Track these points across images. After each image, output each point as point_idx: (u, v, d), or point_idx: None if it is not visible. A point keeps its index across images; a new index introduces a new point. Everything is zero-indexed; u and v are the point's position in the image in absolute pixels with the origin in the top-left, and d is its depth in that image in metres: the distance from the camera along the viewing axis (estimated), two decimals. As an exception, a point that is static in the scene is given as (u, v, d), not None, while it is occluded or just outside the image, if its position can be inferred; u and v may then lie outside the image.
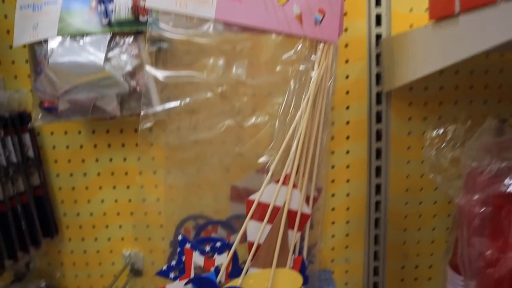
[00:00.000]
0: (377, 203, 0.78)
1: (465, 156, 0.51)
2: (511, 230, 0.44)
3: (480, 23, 0.41)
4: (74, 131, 0.78)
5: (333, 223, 0.80)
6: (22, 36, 0.62)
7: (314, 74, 0.53)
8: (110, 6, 0.60)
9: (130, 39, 0.60)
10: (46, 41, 0.60)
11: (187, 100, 0.55)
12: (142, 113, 0.56)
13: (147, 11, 0.59)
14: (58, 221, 0.82)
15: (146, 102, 0.61)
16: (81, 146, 0.78)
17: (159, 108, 0.57)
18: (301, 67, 0.53)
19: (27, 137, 0.74)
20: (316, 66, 0.53)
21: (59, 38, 0.60)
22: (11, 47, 0.75)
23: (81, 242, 0.84)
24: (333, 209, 0.80)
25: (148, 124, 0.56)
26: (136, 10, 0.59)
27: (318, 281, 0.72)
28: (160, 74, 0.56)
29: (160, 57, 0.57)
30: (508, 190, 0.45)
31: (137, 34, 0.60)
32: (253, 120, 0.55)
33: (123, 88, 0.60)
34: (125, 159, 0.78)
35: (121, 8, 0.59)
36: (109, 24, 0.59)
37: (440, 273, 0.63)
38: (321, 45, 0.53)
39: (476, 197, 0.48)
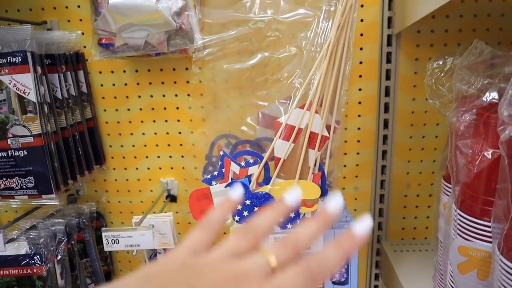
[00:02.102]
0: (385, 137, 0.89)
1: (455, 77, 0.60)
2: (488, 133, 0.54)
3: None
4: (119, 70, 0.89)
5: (345, 154, 0.91)
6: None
7: (338, 10, 0.63)
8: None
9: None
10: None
11: (229, 33, 0.65)
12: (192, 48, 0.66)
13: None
14: (105, 151, 0.94)
15: (190, 39, 0.72)
16: (126, 84, 0.89)
17: (204, 40, 0.67)
18: (328, 5, 0.63)
19: (81, 74, 0.85)
20: (340, 2, 0.63)
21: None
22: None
23: (124, 171, 0.96)
24: (345, 141, 0.91)
25: (200, 55, 0.66)
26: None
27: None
28: (203, 13, 0.67)
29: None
30: (487, 101, 0.55)
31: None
32: (284, 52, 0.65)
33: (171, 26, 0.70)
34: (164, 96, 0.89)
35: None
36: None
37: (435, 188, 0.73)
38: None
39: (462, 109, 0.58)
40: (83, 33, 0.87)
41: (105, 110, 0.92)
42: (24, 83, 0.70)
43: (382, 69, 0.85)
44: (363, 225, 0.32)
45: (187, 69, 0.87)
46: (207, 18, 0.65)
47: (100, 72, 0.89)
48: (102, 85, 0.90)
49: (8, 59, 0.70)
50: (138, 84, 0.89)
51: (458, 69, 0.59)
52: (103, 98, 0.91)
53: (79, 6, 0.86)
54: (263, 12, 0.64)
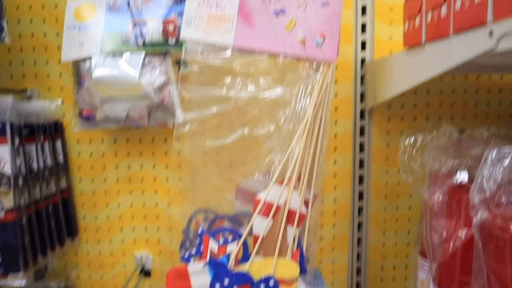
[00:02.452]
0: (360, 209, 0.90)
1: (427, 157, 0.64)
2: (461, 213, 0.56)
3: (440, 50, 0.56)
4: (97, 140, 0.89)
5: (321, 226, 0.92)
6: (69, 53, 0.74)
7: (315, 89, 0.66)
8: (144, 29, 0.73)
9: (159, 58, 0.73)
10: (89, 58, 0.73)
11: (208, 110, 0.67)
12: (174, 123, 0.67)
13: (175, 35, 0.72)
14: (78, 223, 0.92)
15: (171, 114, 0.73)
16: (103, 154, 0.89)
17: (184, 117, 0.69)
18: (305, 84, 0.67)
19: (59, 144, 0.85)
20: (317, 82, 0.66)
21: (101, 56, 0.72)
22: (47, 62, 0.87)
23: (97, 244, 0.93)
24: (322, 213, 0.91)
25: (181, 130, 0.67)
26: (166, 33, 0.72)
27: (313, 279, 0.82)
28: (184, 88, 0.69)
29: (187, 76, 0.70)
30: (458, 182, 0.58)
31: (166, 54, 0.73)
32: (263, 129, 0.67)
33: (153, 101, 0.72)
34: (141, 166, 0.89)
35: (153, 31, 0.73)
36: (143, 44, 0.72)
37: (412, 263, 0.74)
38: (322, 65, 0.67)
39: (436, 189, 0.60)
40: (63, 101, 0.88)
41: (80, 181, 0.91)
42: (0, 154, 0.69)
43: (356, 142, 0.88)
44: None
45: (166, 140, 0.87)
46: (188, 94, 0.67)
47: (78, 142, 0.89)
48: (79, 154, 0.90)
49: (-13, 129, 0.70)
50: (115, 154, 0.89)
51: (430, 149, 0.62)
52: (79, 168, 0.90)
53: (60, 75, 0.87)
54: (243, 89, 0.67)
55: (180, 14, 0.73)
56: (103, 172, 0.90)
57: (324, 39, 0.67)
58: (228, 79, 0.68)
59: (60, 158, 0.85)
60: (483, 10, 0.42)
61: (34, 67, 0.88)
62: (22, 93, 0.86)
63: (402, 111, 0.88)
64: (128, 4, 0.74)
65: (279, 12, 0.67)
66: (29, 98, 0.86)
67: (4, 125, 0.70)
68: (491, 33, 0.40)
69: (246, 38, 0.66)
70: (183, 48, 0.68)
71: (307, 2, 0.68)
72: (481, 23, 0.42)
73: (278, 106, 0.67)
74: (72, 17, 0.75)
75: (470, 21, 0.45)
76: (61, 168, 0.85)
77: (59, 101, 0.86)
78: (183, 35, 0.66)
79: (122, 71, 0.71)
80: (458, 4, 0.48)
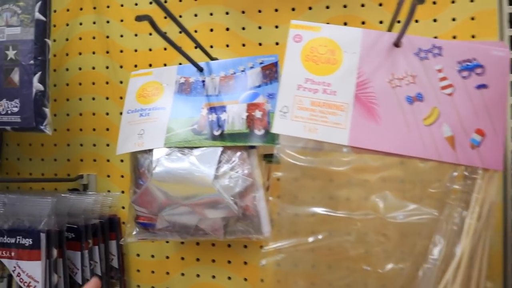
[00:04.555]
0: None
1: None
2: None
3: None
4: (161, 240, 0.72)
5: None
6: (126, 144, 0.58)
7: (472, 211, 0.44)
8: (223, 116, 0.55)
9: (242, 155, 0.54)
10: (151, 150, 0.57)
11: (309, 236, 0.47)
12: (263, 249, 0.48)
13: (264, 124, 0.54)
14: None
15: (255, 229, 0.54)
16: (167, 257, 0.72)
17: (275, 245, 0.49)
18: (455, 201, 0.44)
19: (113, 245, 0.69)
20: (474, 200, 0.44)
21: (165, 149, 0.56)
22: (108, 145, 0.73)
23: None
24: None
25: (264, 262, 0.48)
26: (251, 121, 0.54)
27: None
28: (276, 201, 0.49)
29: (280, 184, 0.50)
30: None
31: (250, 148, 0.55)
32: (391, 266, 0.45)
33: (232, 212, 0.53)
34: (214, 277, 0.70)
35: (235, 118, 0.55)
36: (221, 136, 0.54)
37: None
38: (480, 173, 0.45)
39: None
40: (123, 192, 0.72)
41: (138, 287, 0.73)
42: (32, 273, 0.54)
43: None
44: None
45: (246, 246, 0.68)
46: (279, 209, 0.48)
47: (138, 255, 0.72)
48: (138, 255, 0.73)
49: (17, 240, 0.56)
50: (182, 258, 0.71)
51: None
52: (138, 271, 0.73)
53: (122, 161, 0.73)
54: (361, 207, 0.46)
55: (271, 96, 0.55)
56: (167, 278, 0.72)
57: (483, 137, 0.45)
58: (338, 191, 0.48)
59: (115, 261, 0.69)
60: None
61: (94, 149, 0.74)
62: (77, 180, 0.72)
63: None
64: (203, 83, 0.58)
65: (414, 98, 0.47)
66: (85, 186, 0.72)
67: (38, 236, 0.55)
68: None
69: (366, 135, 0.46)
70: (276, 144, 0.50)
71: (455, 83, 0.46)
72: None
73: (414, 233, 0.46)
74: (133, 98, 0.60)
75: None
76: (115, 274, 0.69)
77: (118, 194, 0.71)
78: (277, 128, 0.47)
79: (192, 170, 0.53)
80: None
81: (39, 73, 0.56)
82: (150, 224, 0.57)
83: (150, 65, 0.71)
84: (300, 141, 0.47)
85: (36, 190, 0.76)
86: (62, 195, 0.66)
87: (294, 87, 0.48)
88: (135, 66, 0.71)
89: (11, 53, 0.57)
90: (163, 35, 0.47)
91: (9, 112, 0.58)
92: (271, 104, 0.54)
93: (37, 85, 0.56)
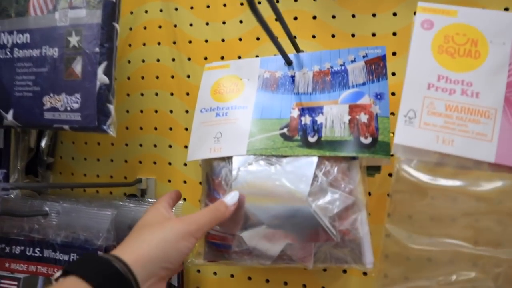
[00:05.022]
0: None
1: None
2: None
3: None
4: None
5: None
6: (200, 148, 0.50)
7: None
8: (319, 119, 0.46)
9: (342, 167, 0.44)
10: (229, 158, 0.48)
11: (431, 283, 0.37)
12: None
13: (371, 130, 0.44)
14: None
15: (354, 258, 0.44)
16: (232, 276, 0.63)
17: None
18: None
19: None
20: None
21: (247, 157, 0.47)
22: (170, 146, 0.65)
23: None
24: None
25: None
26: (355, 127, 0.44)
27: None
28: (391, 227, 0.39)
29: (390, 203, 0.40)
30: None
31: (352, 159, 0.45)
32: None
33: (329, 237, 0.43)
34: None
35: (334, 122, 0.45)
36: (318, 143, 0.45)
37: None
38: None
39: None
40: (185, 200, 0.64)
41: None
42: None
43: None
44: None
45: (324, 270, 0.58)
46: (398, 239, 0.38)
47: (199, 271, 0.64)
48: (199, 271, 0.64)
49: (71, 257, 0.48)
50: (249, 278, 0.62)
51: None
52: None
53: (185, 165, 0.64)
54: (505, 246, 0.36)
55: (379, 96, 0.44)
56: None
57: None
58: (480, 221, 0.37)
59: (174, 278, 0.61)
60: None
61: (154, 150, 0.66)
62: (135, 185, 0.64)
63: None
64: (293, 79, 0.48)
65: None
66: (143, 192, 0.65)
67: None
68: None
69: (520, 150, 0.36)
70: (388, 157, 0.40)
71: None
72: None
73: None
74: (208, 94, 0.51)
75: None
76: (175, 295, 0.61)
77: (180, 202, 0.63)
78: (400, 138, 0.37)
79: (282, 184, 0.44)
80: None
81: (105, 63, 0.48)
82: (224, 245, 0.48)
83: (222, 58, 0.62)
84: (429, 156, 0.37)
85: (90, 193, 0.69)
86: (121, 203, 0.58)
87: (423, 86, 0.37)
88: (205, 58, 0.63)
89: (74, 40, 0.50)
90: (261, 19, 0.38)
91: (68, 108, 0.50)
92: (380, 107, 0.44)
93: (101, 77, 0.48)
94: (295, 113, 0.47)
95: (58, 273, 0.35)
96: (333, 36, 0.58)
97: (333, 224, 0.43)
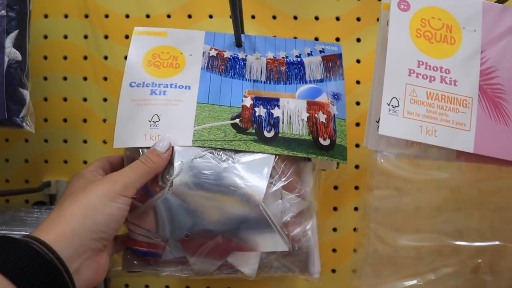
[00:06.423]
0: None
1: None
2: None
3: None
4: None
5: None
6: (131, 134, 0.40)
7: None
8: (275, 112, 0.41)
9: (297, 168, 0.40)
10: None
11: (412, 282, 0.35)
12: None
13: (330, 132, 0.40)
14: None
15: (300, 267, 0.41)
16: None
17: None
18: None
19: None
20: None
21: (193, 149, 0.40)
22: (85, 141, 0.55)
23: None
24: None
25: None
26: (315, 126, 0.40)
27: None
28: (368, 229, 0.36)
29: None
30: None
31: (307, 161, 0.40)
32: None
33: (282, 246, 0.39)
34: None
35: (292, 118, 0.41)
36: (275, 139, 0.40)
37: None
38: None
39: None
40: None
41: (124, 326, 0.56)
42: None
43: None
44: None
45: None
46: (376, 245, 0.36)
47: (127, 286, 0.55)
48: (127, 285, 0.56)
49: None
50: (185, 289, 0.56)
51: None
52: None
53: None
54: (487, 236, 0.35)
55: (336, 96, 0.41)
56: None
57: None
58: (458, 213, 0.36)
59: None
60: None
61: (64, 147, 0.55)
62: (42, 189, 0.53)
63: None
64: (244, 63, 0.43)
65: (553, 92, 0.36)
66: (52, 198, 0.53)
67: None
68: None
69: (494, 140, 0.35)
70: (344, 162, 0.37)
71: None
72: None
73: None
74: (139, 65, 0.42)
75: None
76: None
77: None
78: (385, 128, 0.34)
79: (233, 182, 0.38)
80: None
81: (15, 32, 0.36)
82: (152, 253, 0.40)
83: (148, 37, 0.54)
84: (411, 149, 0.35)
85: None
86: (24, 215, 0.47)
87: (404, 72, 0.35)
88: (126, 37, 0.53)
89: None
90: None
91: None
92: (337, 107, 0.41)
93: (11, 52, 0.36)
94: (248, 102, 0.41)
95: None
96: (274, 17, 0.53)
97: (287, 231, 0.39)
